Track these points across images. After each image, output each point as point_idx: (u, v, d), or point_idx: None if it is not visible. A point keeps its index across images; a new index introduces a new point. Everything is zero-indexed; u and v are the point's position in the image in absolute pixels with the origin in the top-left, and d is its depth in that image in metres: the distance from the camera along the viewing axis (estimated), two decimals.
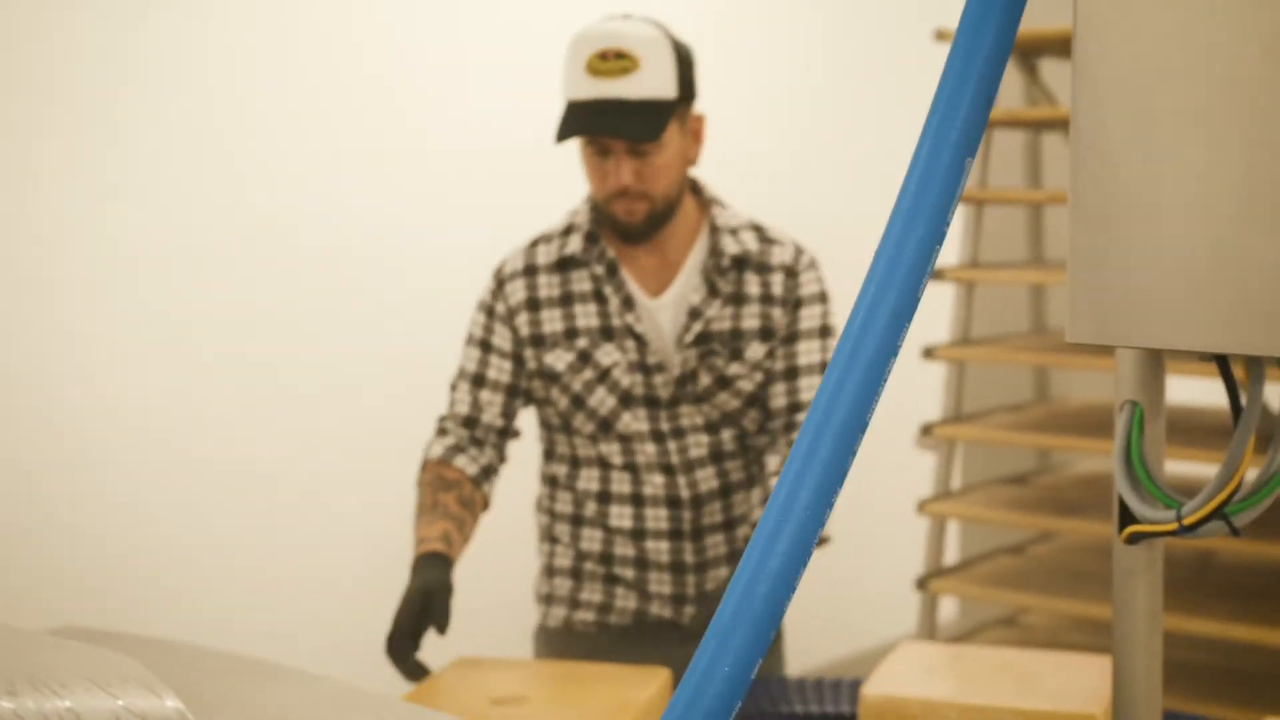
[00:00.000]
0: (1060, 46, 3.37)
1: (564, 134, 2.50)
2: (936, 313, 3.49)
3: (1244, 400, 1.41)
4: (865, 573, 3.88)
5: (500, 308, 2.62)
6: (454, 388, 2.64)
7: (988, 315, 3.81)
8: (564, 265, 2.62)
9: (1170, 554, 3.57)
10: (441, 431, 2.61)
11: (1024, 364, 3.61)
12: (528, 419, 2.69)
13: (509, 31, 4.09)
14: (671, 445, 2.59)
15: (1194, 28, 1.24)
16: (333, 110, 3.82)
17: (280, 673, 1.80)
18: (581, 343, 2.59)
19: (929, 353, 3.44)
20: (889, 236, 1.25)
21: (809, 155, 4.88)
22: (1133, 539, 1.46)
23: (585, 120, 2.47)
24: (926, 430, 3.49)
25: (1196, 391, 3.21)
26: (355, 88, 3.87)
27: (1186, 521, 1.40)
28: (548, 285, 2.62)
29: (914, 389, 3.59)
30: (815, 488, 1.20)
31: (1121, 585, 1.49)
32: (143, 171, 3.47)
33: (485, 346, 2.62)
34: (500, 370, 2.62)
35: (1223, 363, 1.40)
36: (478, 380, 2.62)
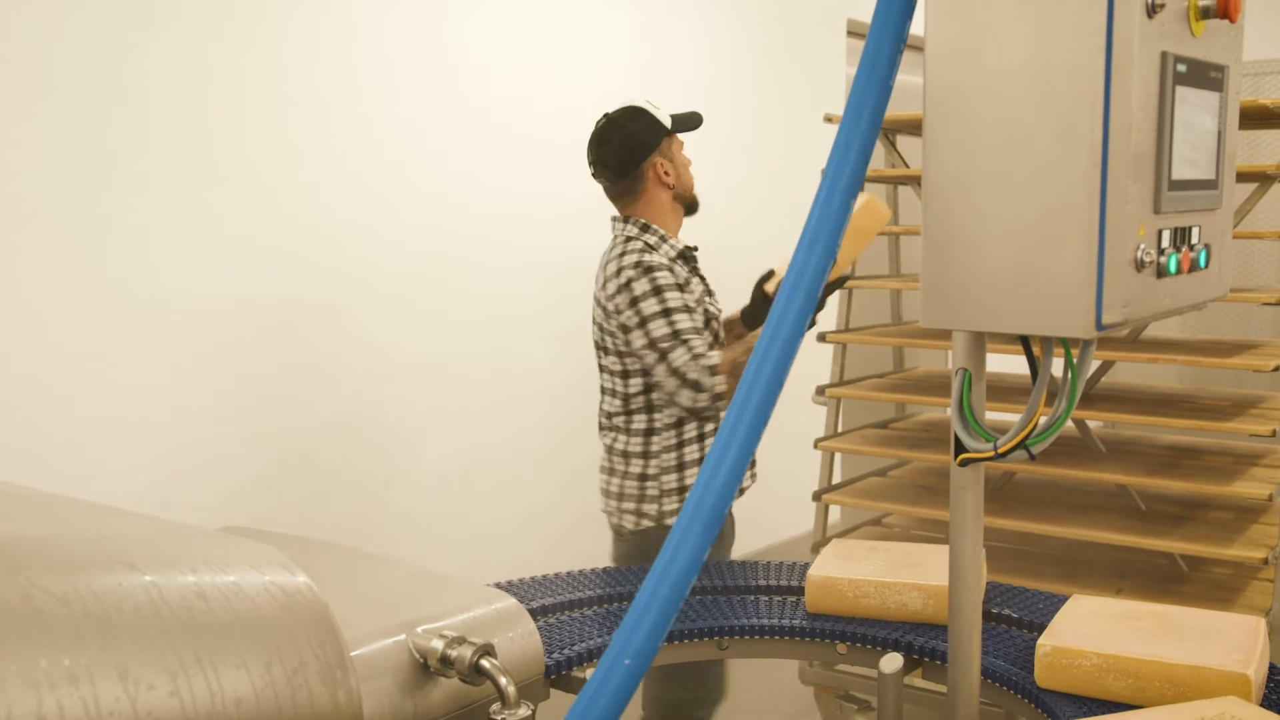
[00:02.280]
0: (912, 127, 3.37)
1: (680, 128, 2.72)
2: (828, 310, 3.48)
3: (1039, 367, 1.42)
4: (780, 490, 3.88)
5: (679, 280, 2.62)
6: (686, 339, 2.55)
7: (863, 311, 3.81)
8: (678, 259, 2.70)
9: (986, 474, 3.60)
10: (700, 356, 2.54)
11: (886, 344, 3.60)
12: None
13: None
14: None
15: (1004, 117, 1.24)
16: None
17: (394, 562, 1.78)
18: (698, 308, 2.67)
19: (822, 337, 3.44)
20: (798, 255, 1.25)
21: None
22: (963, 463, 1.47)
23: (693, 121, 2.74)
24: (820, 390, 3.49)
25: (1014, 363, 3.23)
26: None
27: (1000, 451, 1.41)
28: (679, 272, 2.65)
29: (813, 362, 3.59)
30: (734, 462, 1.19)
31: (955, 496, 1.49)
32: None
33: (687, 309, 2.60)
34: (697, 318, 2.64)
35: (1025, 342, 1.41)
36: (696, 330, 2.59)
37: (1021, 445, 1.41)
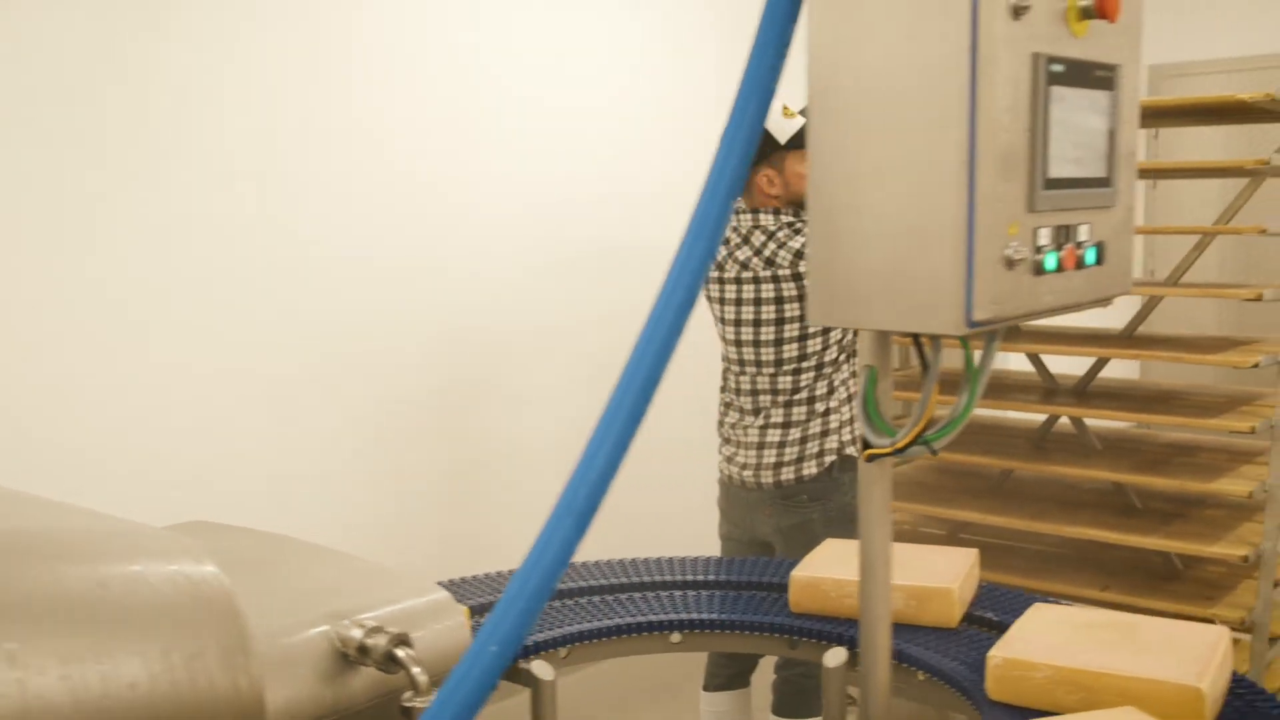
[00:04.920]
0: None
1: (794, 143, 2.75)
2: None
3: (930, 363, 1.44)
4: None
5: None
6: None
7: None
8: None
9: (981, 470, 3.59)
10: None
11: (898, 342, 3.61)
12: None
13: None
14: None
15: (880, 116, 1.27)
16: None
17: (343, 558, 1.83)
18: None
19: None
20: (679, 254, 1.28)
21: None
22: (870, 459, 1.49)
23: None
24: None
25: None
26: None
27: (898, 446, 1.43)
28: None
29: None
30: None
31: (864, 491, 1.51)
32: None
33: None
34: None
35: (915, 339, 1.43)
36: None
37: (919, 440, 1.43)
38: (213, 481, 3.04)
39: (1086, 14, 1.29)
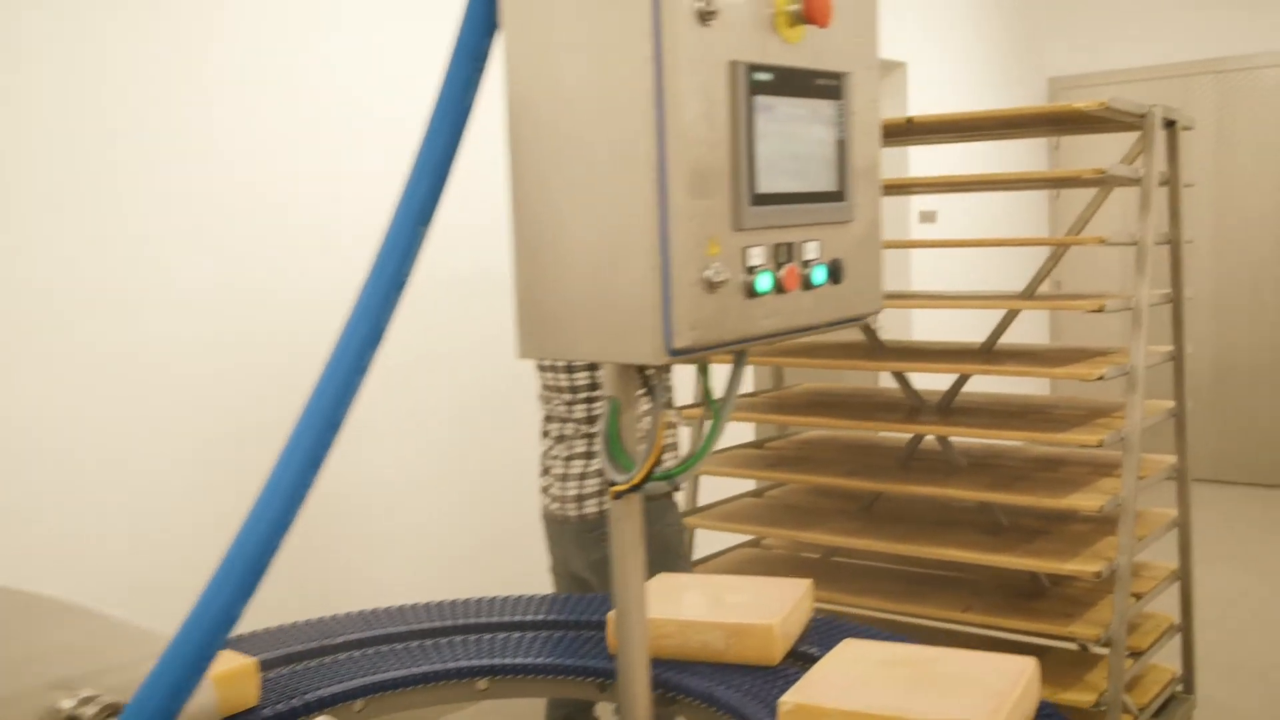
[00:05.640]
0: None
1: None
2: None
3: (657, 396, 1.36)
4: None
5: None
6: None
7: None
8: None
9: (854, 492, 3.54)
10: None
11: (759, 363, 3.53)
12: None
13: None
14: None
15: (574, 133, 1.19)
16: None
17: (67, 611, 1.72)
18: None
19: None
20: (368, 282, 1.19)
21: None
22: (617, 496, 1.41)
23: None
24: (678, 410, 3.42)
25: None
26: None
27: (633, 483, 1.35)
28: None
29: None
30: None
31: (615, 528, 1.43)
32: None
33: None
34: None
35: (640, 368, 1.35)
36: None
37: (660, 476, 1.35)
38: (36, 519, 2.89)
39: (797, 19, 1.22)
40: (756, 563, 3.54)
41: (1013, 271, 5.64)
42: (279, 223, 3.37)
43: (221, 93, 3.19)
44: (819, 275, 1.29)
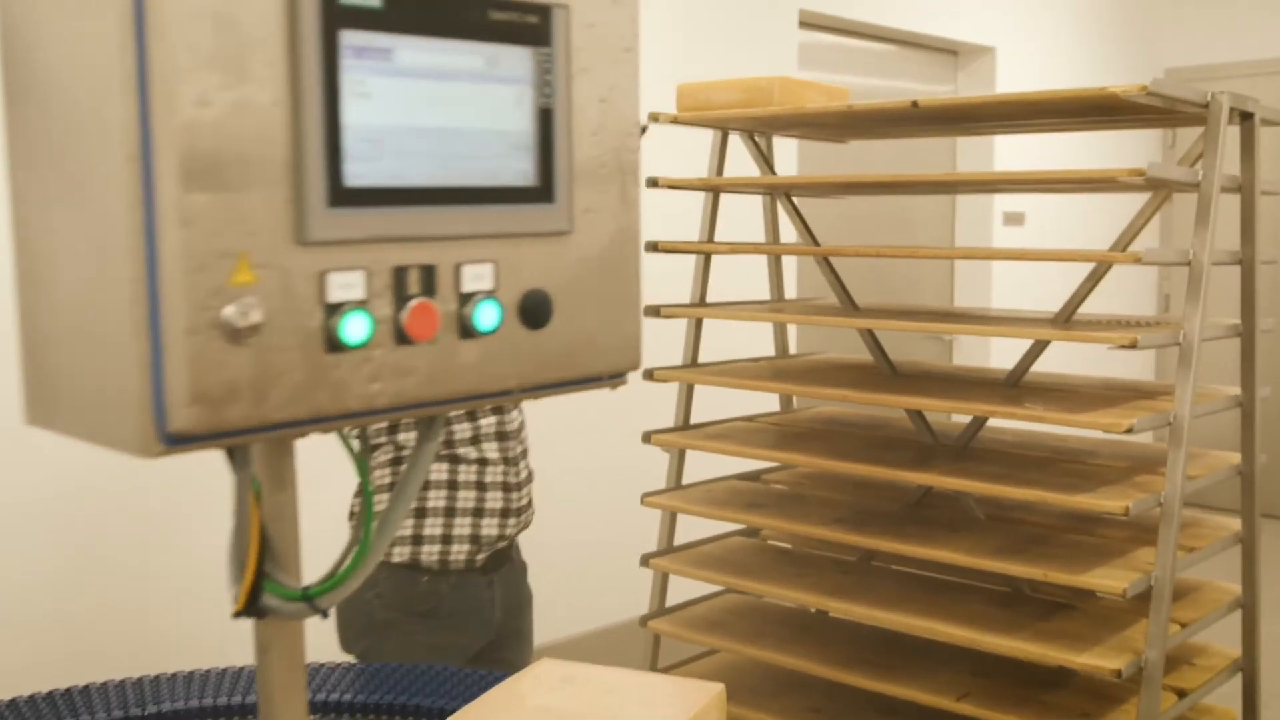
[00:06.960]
0: (786, 124, 2.84)
1: None
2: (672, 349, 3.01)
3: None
4: (611, 553, 3.39)
5: None
6: None
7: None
8: None
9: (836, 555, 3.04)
10: None
11: (738, 386, 3.06)
12: None
13: None
14: None
15: (59, 141, 0.76)
16: None
17: None
18: None
19: (650, 375, 2.91)
20: None
21: None
22: (235, 615, 0.97)
23: None
24: (646, 438, 2.97)
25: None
26: None
27: (236, 609, 0.92)
28: None
29: (642, 406, 3.10)
30: None
31: (259, 659, 1.00)
32: None
33: None
34: None
35: (232, 454, 0.91)
36: None
37: (302, 596, 0.92)
38: None
39: None
40: (733, 613, 3.06)
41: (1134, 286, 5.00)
42: None
43: None
44: (489, 316, 0.83)
